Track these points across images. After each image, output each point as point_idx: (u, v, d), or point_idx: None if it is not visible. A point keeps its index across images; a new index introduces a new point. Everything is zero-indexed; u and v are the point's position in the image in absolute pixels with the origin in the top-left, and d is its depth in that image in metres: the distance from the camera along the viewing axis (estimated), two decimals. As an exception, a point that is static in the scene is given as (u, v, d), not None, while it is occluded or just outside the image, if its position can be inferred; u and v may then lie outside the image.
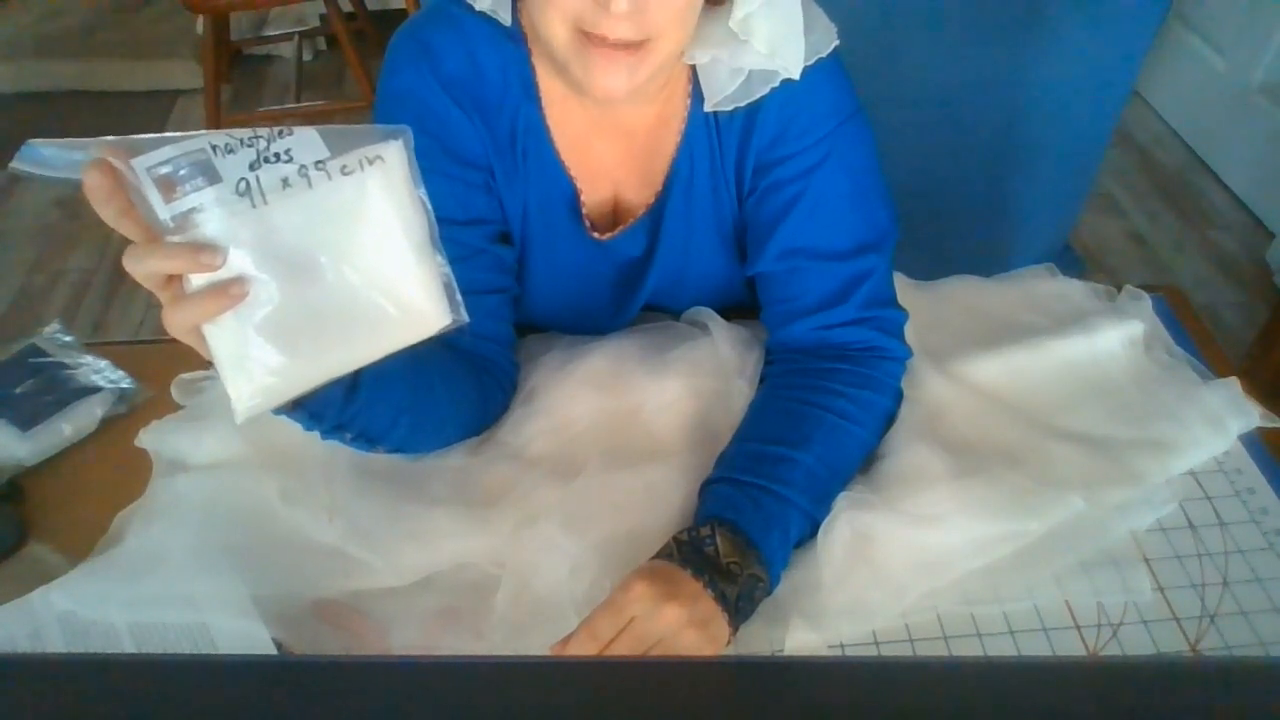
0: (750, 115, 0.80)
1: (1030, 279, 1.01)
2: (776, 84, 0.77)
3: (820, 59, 0.78)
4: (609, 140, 0.84)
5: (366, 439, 0.74)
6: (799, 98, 0.79)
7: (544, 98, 0.82)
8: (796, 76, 0.76)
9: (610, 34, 0.67)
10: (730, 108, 0.79)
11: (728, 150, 0.83)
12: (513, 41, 0.80)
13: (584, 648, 0.65)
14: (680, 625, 0.65)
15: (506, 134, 0.82)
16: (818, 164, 0.81)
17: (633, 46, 0.69)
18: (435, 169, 0.79)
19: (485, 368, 0.84)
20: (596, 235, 0.87)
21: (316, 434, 0.71)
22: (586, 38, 0.68)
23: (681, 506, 0.78)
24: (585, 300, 0.92)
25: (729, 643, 0.69)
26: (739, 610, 0.69)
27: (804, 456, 0.76)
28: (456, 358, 0.80)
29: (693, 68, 0.79)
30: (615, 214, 0.88)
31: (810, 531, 0.76)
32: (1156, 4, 1.45)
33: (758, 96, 0.78)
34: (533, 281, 0.89)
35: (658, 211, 0.86)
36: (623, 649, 0.64)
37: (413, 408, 0.75)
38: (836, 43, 0.79)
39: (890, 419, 0.84)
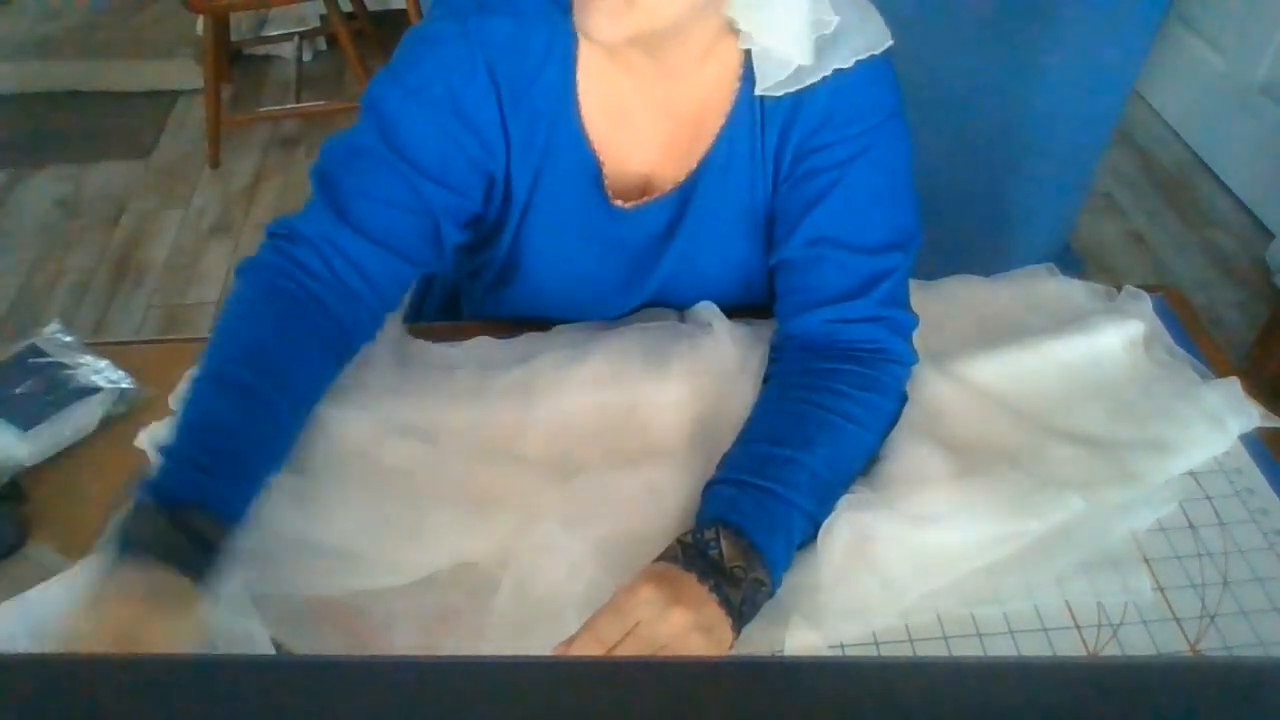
0: (797, 102, 0.81)
1: (1030, 279, 1.01)
2: (829, 72, 0.78)
3: (873, 55, 0.79)
4: (652, 115, 0.84)
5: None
6: (847, 89, 0.80)
7: (581, 68, 0.82)
8: (808, 61, 0.77)
9: None
10: (781, 93, 0.79)
11: (769, 136, 0.83)
12: (561, 11, 0.80)
13: (588, 649, 0.64)
14: (686, 630, 0.65)
15: (532, 101, 0.82)
16: (855, 156, 0.81)
17: None
18: (435, 120, 0.80)
19: (347, 299, 0.80)
20: (620, 203, 0.87)
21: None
22: None
23: (682, 506, 0.78)
24: (596, 275, 0.91)
25: (731, 647, 0.69)
26: (742, 614, 0.69)
27: (808, 458, 0.76)
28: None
29: (747, 51, 0.80)
30: (644, 189, 0.88)
31: (812, 533, 0.76)
32: (1156, 4, 1.45)
33: (808, 84, 0.78)
34: (535, 255, 0.89)
35: (688, 189, 0.86)
36: (627, 652, 0.64)
37: (270, 458, 0.75)
38: (890, 43, 0.80)
39: (893, 422, 0.84)
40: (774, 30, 0.76)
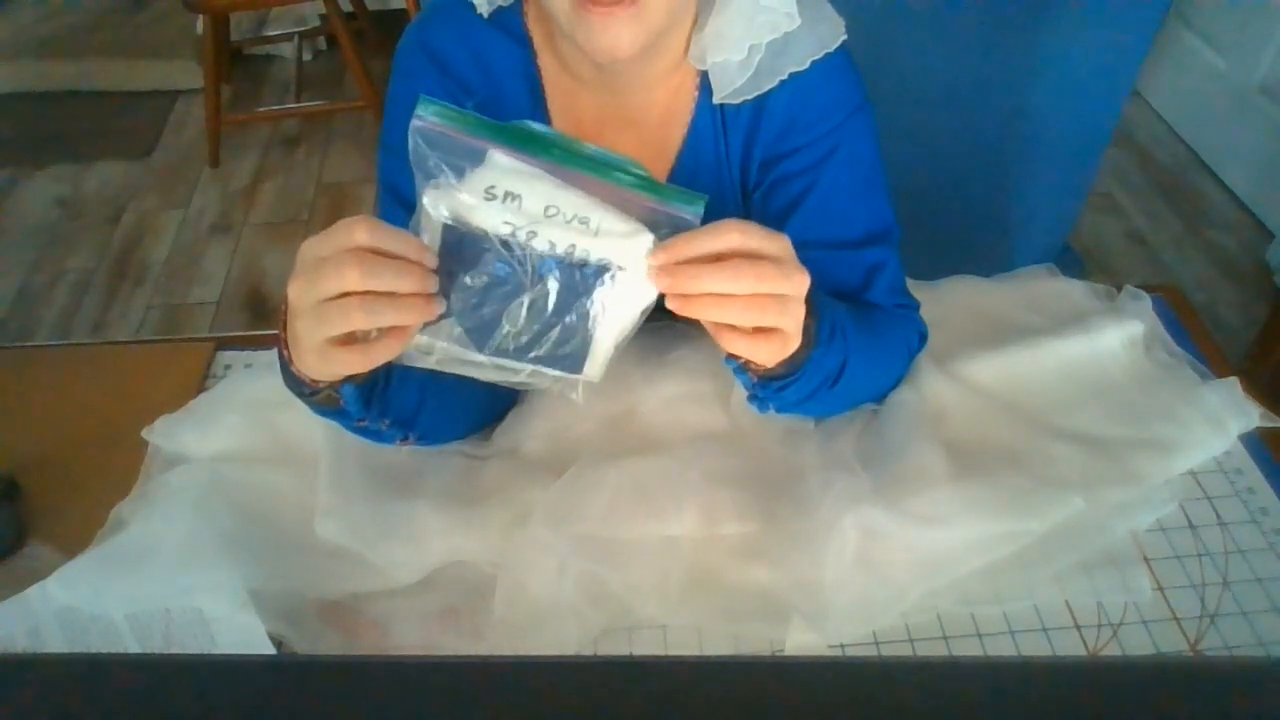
0: (757, 109, 0.81)
1: (1030, 279, 1.01)
2: (785, 76, 0.78)
3: (828, 53, 0.78)
4: (618, 131, 0.84)
5: (400, 424, 0.74)
6: (806, 91, 0.79)
7: (549, 95, 0.82)
8: (751, 71, 0.77)
9: None
10: (738, 101, 0.79)
11: (733, 144, 0.83)
12: (518, 42, 0.81)
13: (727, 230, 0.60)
14: (800, 303, 0.63)
15: None
16: (826, 156, 0.81)
17: (625, 1, 0.68)
18: None
19: None
20: None
21: (345, 428, 0.72)
22: (583, 3, 0.69)
23: (672, 501, 0.78)
24: None
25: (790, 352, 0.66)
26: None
27: (855, 309, 0.77)
28: None
29: None
30: None
31: (838, 368, 0.74)
32: (1156, 4, 1.45)
33: (766, 89, 0.78)
34: None
35: None
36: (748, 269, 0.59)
37: (433, 386, 0.74)
38: (844, 37, 0.80)
39: (913, 356, 0.87)
40: (723, 47, 0.76)
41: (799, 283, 0.62)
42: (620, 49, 0.70)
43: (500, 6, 0.80)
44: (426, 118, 0.56)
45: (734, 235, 0.59)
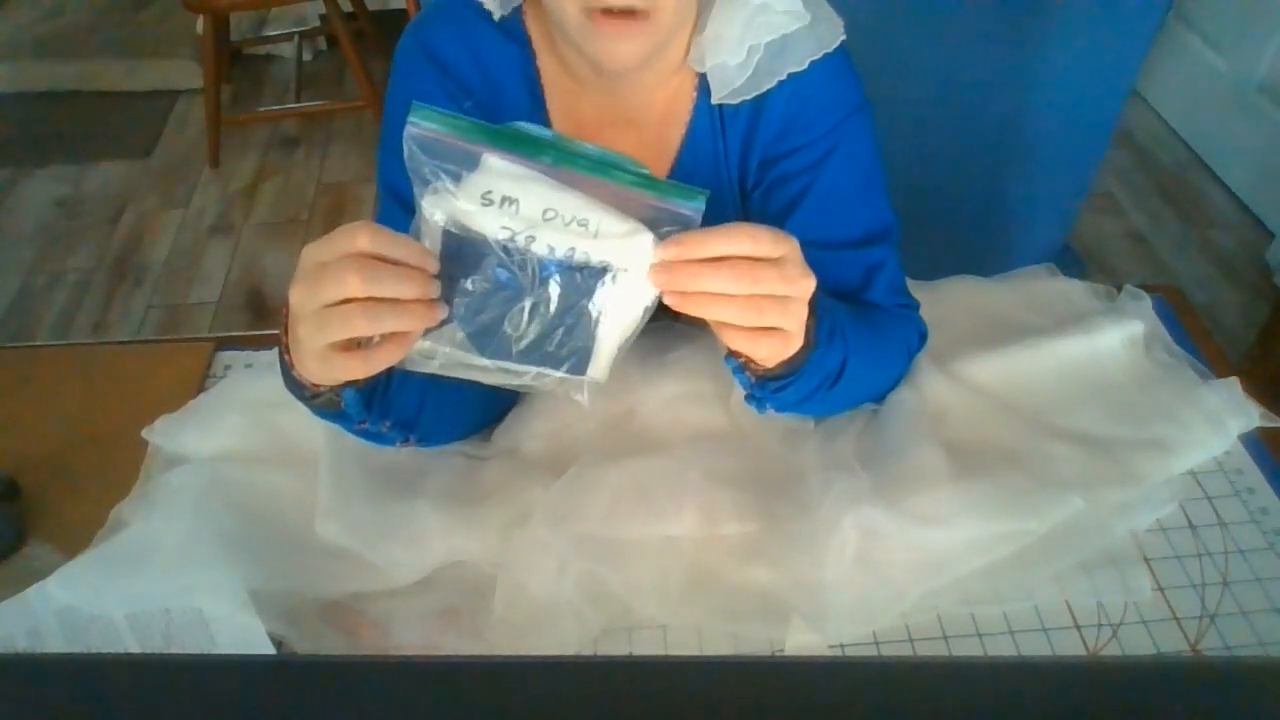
0: (756, 109, 0.81)
1: (1030, 279, 1.01)
2: (784, 76, 0.78)
3: (826, 54, 0.79)
4: (618, 132, 0.84)
5: (401, 426, 0.74)
6: (805, 91, 0.79)
7: (549, 96, 0.82)
8: (749, 72, 0.77)
9: (615, 3, 0.68)
10: (737, 101, 0.79)
11: (732, 145, 0.83)
12: (517, 43, 0.81)
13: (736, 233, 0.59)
14: (803, 305, 0.63)
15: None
16: (825, 157, 0.81)
17: (638, 15, 0.69)
18: None
19: None
20: None
21: (346, 430, 0.72)
22: (594, 14, 0.69)
23: (671, 501, 0.78)
24: None
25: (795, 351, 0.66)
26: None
27: (853, 308, 0.77)
28: None
29: None
30: None
31: (838, 367, 0.74)
32: (1156, 4, 1.45)
33: (764, 90, 0.78)
34: None
35: None
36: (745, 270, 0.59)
37: (434, 388, 0.74)
38: (843, 37, 0.80)
39: (912, 356, 0.86)
40: (721, 49, 0.77)
41: (802, 285, 0.61)
42: (630, 59, 0.71)
43: (513, 8, 0.80)
44: (420, 123, 0.56)
45: (744, 241, 0.59)
